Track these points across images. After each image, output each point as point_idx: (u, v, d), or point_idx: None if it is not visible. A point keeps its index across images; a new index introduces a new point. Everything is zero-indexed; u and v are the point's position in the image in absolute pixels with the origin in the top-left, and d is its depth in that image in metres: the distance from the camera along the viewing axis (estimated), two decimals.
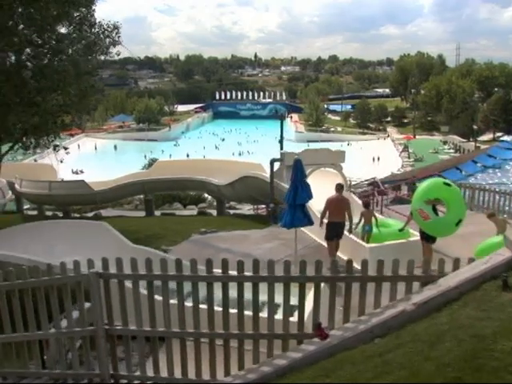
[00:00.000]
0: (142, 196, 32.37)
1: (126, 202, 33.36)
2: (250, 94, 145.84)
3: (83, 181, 27.36)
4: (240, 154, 79.81)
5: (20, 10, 15.57)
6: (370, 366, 5.02)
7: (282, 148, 36.59)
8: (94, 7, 17.70)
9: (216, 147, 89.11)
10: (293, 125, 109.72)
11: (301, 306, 6.12)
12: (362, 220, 12.22)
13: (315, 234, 12.96)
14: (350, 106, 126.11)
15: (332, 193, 12.07)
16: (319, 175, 15.47)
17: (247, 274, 6.14)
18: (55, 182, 27.83)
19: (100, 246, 10.46)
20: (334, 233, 11.86)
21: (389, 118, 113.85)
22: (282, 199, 18.36)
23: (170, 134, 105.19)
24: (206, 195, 34.10)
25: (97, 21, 17.57)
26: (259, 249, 12.90)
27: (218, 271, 6.21)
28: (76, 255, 9.61)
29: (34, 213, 29.87)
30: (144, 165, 43.09)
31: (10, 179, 27.15)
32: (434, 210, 10.70)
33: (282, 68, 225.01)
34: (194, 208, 32.13)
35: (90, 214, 28.79)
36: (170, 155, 71.04)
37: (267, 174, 19.17)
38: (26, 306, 6.66)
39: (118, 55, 18.82)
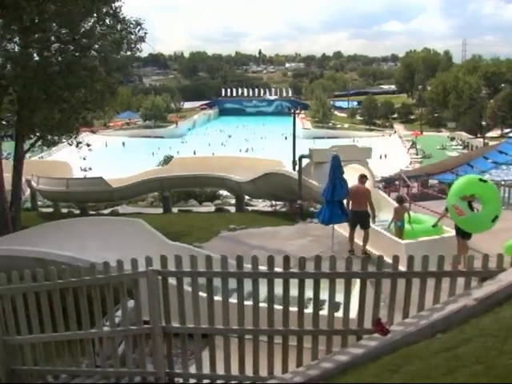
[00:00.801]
0: (156, 193, 32.46)
1: (140, 199, 33.34)
2: (256, 90, 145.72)
3: (101, 178, 27.37)
4: (247, 151, 79.74)
5: (49, 5, 15.57)
6: (441, 361, 5.03)
7: (294, 145, 36.61)
8: (121, 3, 17.72)
9: (222, 144, 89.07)
10: (299, 121, 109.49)
11: (361, 302, 6.13)
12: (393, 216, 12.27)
13: (344, 230, 12.95)
14: (355, 103, 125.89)
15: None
16: (347, 171, 15.46)
17: (293, 270, 6.17)
18: (73, 179, 27.91)
19: (136, 243, 10.45)
20: (354, 221, 12.08)
21: (395, 115, 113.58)
22: (308, 196, 18.52)
23: (176, 131, 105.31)
24: (221, 192, 34.16)
25: (124, 17, 17.55)
26: (291, 245, 12.91)
27: (263, 268, 6.20)
28: (112, 253, 9.66)
29: (49, 210, 29.91)
30: (159, 162, 43.05)
31: (27, 176, 27.21)
32: (470, 206, 10.70)
33: (287, 65, 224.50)
34: (209, 205, 32.15)
35: (106, 211, 28.87)
36: (178, 152, 70.98)
37: (290, 171, 19.19)
38: (81, 304, 6.65)
39: (141, 51, 18.86)
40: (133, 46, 17.88)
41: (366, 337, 6.04)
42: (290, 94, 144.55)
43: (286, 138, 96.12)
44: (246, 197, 29.74)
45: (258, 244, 13.25)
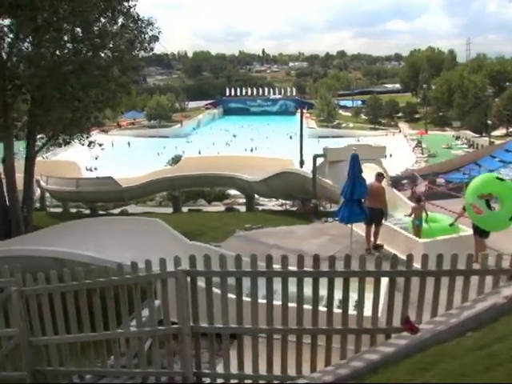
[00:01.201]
0: (165, 193, 32.48)
1: (148, 198, 33.38)
2: (260, 90, 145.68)
3: (111, 177, 27.40)
4: (252, 150, 79.72)
5: (63, 4, 15.59)
6: (476, 359, 5.02)
7: (301, 144, 36.59)
8: (135, 1, 17.71)
9: (227, 144, 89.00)
10: (304, 121, 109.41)
11: (390, 300, 6.15)
12: (412, 215, 12.31)
13: (361, 229, 12.97)
14: (360, 102, 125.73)
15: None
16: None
17: (323, 269, 6.14)
18: (83, 178, 27.96)
19: (155, 242, 10.47)
20: (369, 218, 12.12)
21: (400, 114, 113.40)
22: (323, 195, 18.51)
23: (181, 131, 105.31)
24: (230, 191, 34.17)
25: (138, 15, 17.52)
26: (309, 244, 12.91)
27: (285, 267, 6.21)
28: (131, 252, 9.67)
29: (57, 210, 29.94)
30: (168, 161, 43.07)
31: (36, 176, 27.23)
32: (488, 204, 10.72)
33: (290, 64, 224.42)
34: (218, 204, 32.19)
35: (116, 211, 28.91)
36: (183, 152, 70.92)
37: (303, 170, 19.20)
38: (108, 304, 6.64)
39: (152, 50, 18.88)
40: (146, 45, 17.91)
41: (395, 335, 6.06)
42: (295, 94, 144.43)
43: (290, 138, 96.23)
44: (265, 197, 29.73)
45: (275, 243, 13.23)
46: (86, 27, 16.28)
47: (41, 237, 12.63)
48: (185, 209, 28.19)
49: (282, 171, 21.71)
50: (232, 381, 6.55)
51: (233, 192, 34.19)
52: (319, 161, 18.48)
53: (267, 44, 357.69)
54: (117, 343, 6.94)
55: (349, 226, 11.95)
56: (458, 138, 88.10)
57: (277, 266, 6.23)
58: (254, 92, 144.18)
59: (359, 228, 12.97)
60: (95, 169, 61.52)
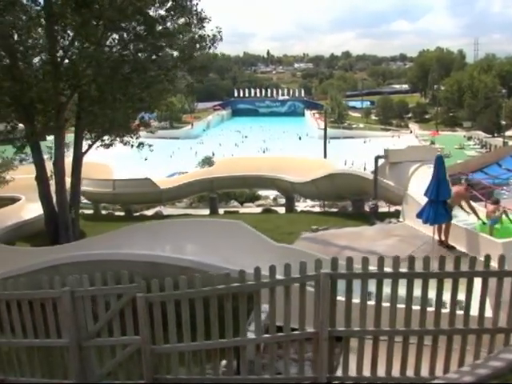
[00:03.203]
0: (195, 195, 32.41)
1: (177, 200, 33.22)
2: (269, 91, 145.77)
3: (149, 179, 27.40)
4: (264, 151, 79.77)
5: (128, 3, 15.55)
6: None
7: (325, 145, 36.60)
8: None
9: (236, 145, 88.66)
10: (315, 121, 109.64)
11: (497, 301, 6.20)
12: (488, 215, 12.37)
13: (428, 230, 12.99)
14: (368, 103, 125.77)
15: None
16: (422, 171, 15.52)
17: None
18: (119, 180, 27.93)
19: (240, 245, 10.44)
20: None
21: (410, 114, 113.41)
22: (383, 196, 18.53)
23: (191, 132, 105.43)
24: (260, 192, 34.21)
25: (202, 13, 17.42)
26: (380, 245, 12.94)
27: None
28: (214, 255, 9.67)
29: (86, 212, 29.85)
30: (198, 162, 43.13)
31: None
32: None
33: (295, 65, 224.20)
34: (251, 205, 32.22)
35: (150, 213, 28.92)
36: (196, 153, 70.88)
37: (360, 171, 19.20)
38: (225, 312, 6.49)
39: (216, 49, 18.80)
40: (209, 44, 17.80)
41: None
42: (303, 95, 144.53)
43: (300, 138, 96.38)
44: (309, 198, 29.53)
45: (346, 245, 13.25)
46: (150, 26, 16.09)
47: (111, 239, 12.56)
48: (220, 210, 28.14)
49: (334, 172, 21.68)
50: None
51: (263, 193, 34.26)
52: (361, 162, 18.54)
53: (271, 45, 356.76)
54: (232, 350, 6.74)
55: (414, 226, 11.96)
56: (469, 138, 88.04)
57: (357, 266, 6.35)
58: (263, 93, 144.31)
59: (426, 229, 12.98)
60: None
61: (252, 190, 32.55)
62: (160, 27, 16.57)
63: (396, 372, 6.42)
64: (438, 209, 10.53)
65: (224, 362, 7.11)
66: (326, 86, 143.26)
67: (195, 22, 17.36)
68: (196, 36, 17.52)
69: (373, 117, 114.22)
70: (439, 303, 6.26)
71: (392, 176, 17.15)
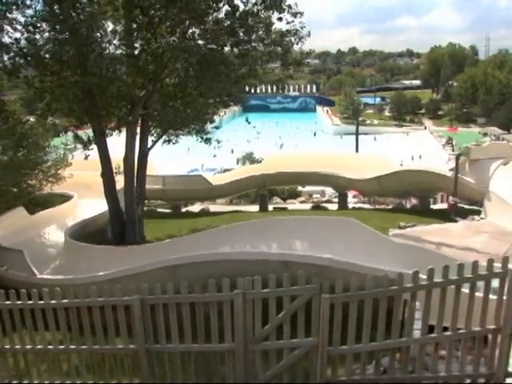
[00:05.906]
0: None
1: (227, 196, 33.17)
2: (280, 87, 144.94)
3: (201, 176, 27.49)
4: (281, 147, 79.62)
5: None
6: None
7: (357, 142, 36.55)
8: None
9: (248, 141, 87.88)
10: (328, 117, 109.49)
11: None
12: None
13: None
14: (379, 99, 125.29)
15: None
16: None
17: None
18: (169, 176, 27.92)
19: (357, 242, 10.40)
20: None
21: (423, 110, 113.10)
22: (462, 194, 18.52)
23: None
24: (300, 188, 34.25)
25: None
26: (474, 243, 12.91)
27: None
28: (330, 252, 9.65)
29: None
30: (238, 159, 43.05)
31: None
32: None
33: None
34: (294, 202, 32.26)
35: (196, 210, 28.98)
36: (232, 150, 69.79)
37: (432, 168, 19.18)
38: (380, 313, 6.47)
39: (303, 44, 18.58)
40: (297, 39, 17.62)
41: None
42: (314, 91, 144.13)
43: (314, 134, 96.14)
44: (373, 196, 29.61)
45: (442, 241, 13.17)
46: (243, 19, 15.93)
47: (215, 236, 12.47)
48: (270, 207, 28.13)
49: (403, 169, 21.71)
50: None
51: (304, 189, 34.31)
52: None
53: None
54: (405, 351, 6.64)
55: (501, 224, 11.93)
56: (485, 134, 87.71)
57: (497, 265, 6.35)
58: (274, 89, 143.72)
59: None
60: None
61: (303, 186, 32.51)
62: (251, 21, 16.34)
63: None
64: None
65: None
66: (335, 82, 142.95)
67: (287, 16, 17.07)
68: (291, 31, 17.31)
69: (386, 113, 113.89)
70: None
71: (472, 173, 17.19)
